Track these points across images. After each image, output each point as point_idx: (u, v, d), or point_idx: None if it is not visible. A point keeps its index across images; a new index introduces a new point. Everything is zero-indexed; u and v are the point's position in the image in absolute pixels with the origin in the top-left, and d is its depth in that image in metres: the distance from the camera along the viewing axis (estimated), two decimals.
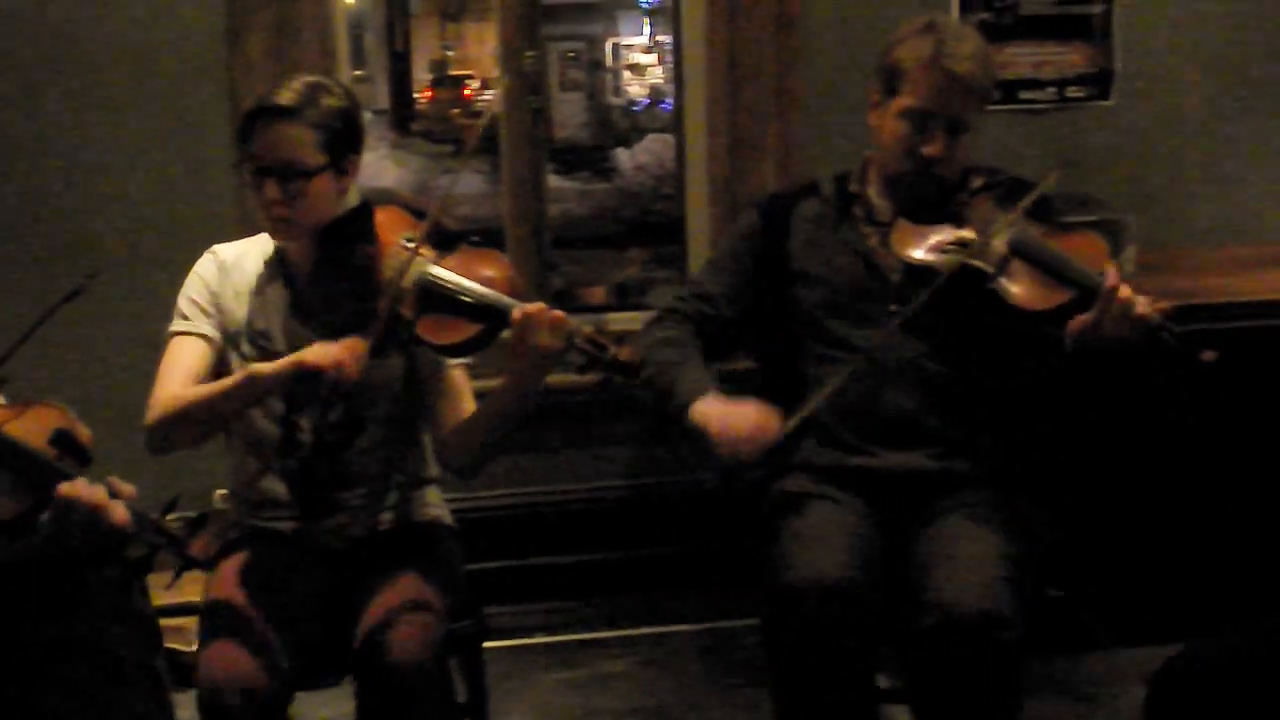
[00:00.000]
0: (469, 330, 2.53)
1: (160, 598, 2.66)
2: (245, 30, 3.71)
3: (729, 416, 2.70)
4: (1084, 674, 3.65)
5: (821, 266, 2.92)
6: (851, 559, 2.61)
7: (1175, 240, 4.21)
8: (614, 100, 16.59)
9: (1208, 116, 4.28)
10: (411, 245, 2.56)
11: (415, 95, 17.04)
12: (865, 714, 2.69)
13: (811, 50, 3.98)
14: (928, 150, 2.79)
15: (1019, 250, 2.74)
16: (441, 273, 2.56)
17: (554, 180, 11.95)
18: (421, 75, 17.59)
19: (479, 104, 15.55)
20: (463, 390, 2.74)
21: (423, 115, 16.58)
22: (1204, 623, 2.51)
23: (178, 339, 2.70)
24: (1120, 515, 3.63)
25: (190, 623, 3.00)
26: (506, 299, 2.51)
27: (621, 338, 2.47)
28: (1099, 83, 4.22)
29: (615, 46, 17.43)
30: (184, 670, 2.91)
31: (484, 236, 2.72)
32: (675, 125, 4.41)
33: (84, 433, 2.29)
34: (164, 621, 2.91)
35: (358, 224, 2.63)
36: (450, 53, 18.61)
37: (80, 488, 2.17)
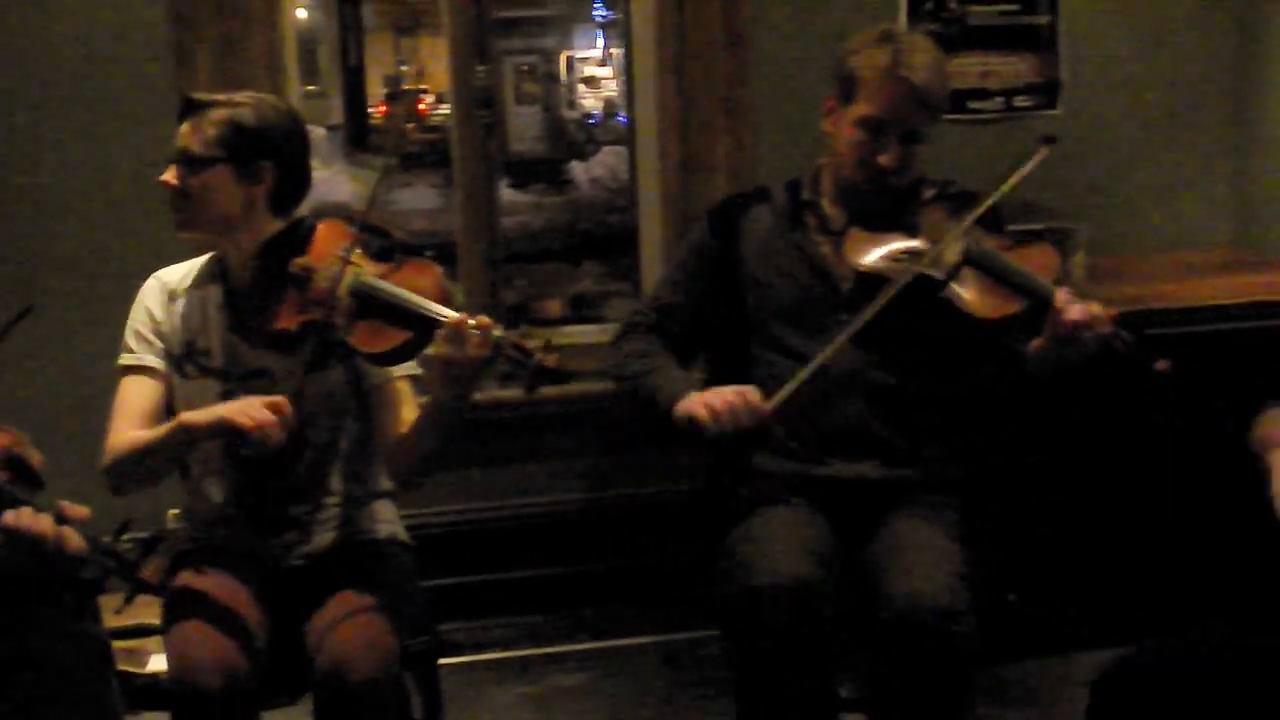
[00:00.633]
0: (398, 337, 2.54)
1: (113, 620, 2.65)
2: (193, 48, 3.69)
3: (711, 399, 2.72)
4: (1031, 679, 3.68)
5: (773, 273, 2.93)
6: (808, 560, 2.63)
7: (1123, 247, 4.25)
8: (568, 114, 16.57)
9: (1153, 125, 4.33)
10: (347, 255, 2.58)
11: (370, 110, 16.98)
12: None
13: (761, 64, 4.00)
14: (883, 160, 2.80)
15: (972, 260, 2.75)
16: (373, 281, 2.58)
17: (509, 193, 11.95)
18: (377, 90, 17.54)
19: (434, 118, 15.52)
20: (405, 401, 2.74)
21: (377, 130, 16.53)
22: (1152, 628, 2.52)
23: (127, 378, 2.73)
24: (1073, 520, 3.66)
25: (144, 644, 2.99)
26: (435, 306, 2.52)
27: (550, 345, 2.47)
28: (1046, 92, 4.25)
29: (570, 60, 17.41)
30: (137, 693, 2.90)
31: (437, 250, 2.73)
32: (629, 138, 4.42)
33: (35, 457, 2.28)
34: (117, 644, 2.90)
35: (295, 237, 2.66)
36: (405, 67, 18.57)
37: (25, 518, 2.16)
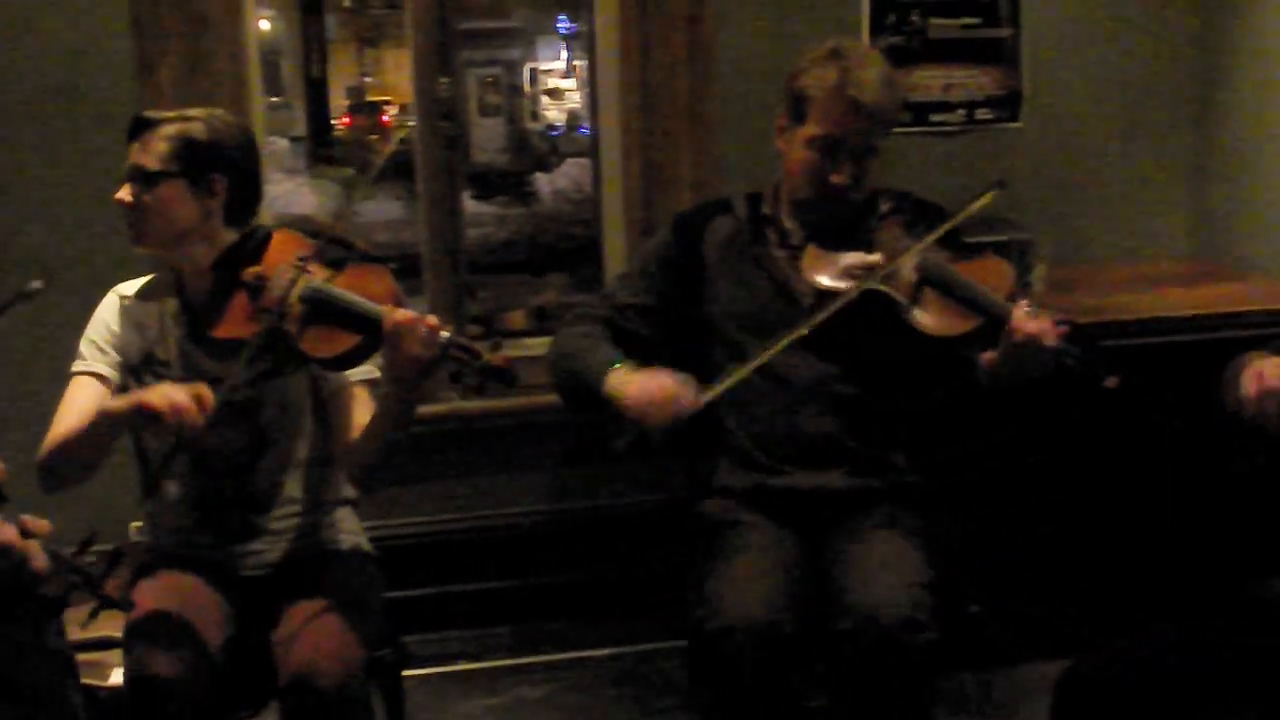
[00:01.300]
0: (349, 341, 2.55)
1: (76, 633, 2.64)
2: (157, 61, 3.68)
3: (644, 383, 2.72)
4: (992, 688, 3.69)
5: (734, 284, 2.95)
6: (779, 597, 2.64)
7: (1083, 258, 4.28)
8: (532, 125, 16.58)
9: (1112, 137, 4.36)
10: (302, 263, 2.61)
11: (333, 122, 16.95)
12: None
13: (724, 76, 4.01)
14: (835, 178, 2.81)
15: (927, 277, 2.77)
16: (323, 286, 2.59)
17: (472, 205, 11.93)
18: (340, 102, 17.50)
19: (398, 130, 15.50)
20: (362, 406, 2.74)
21: (341, 142, 16.50)
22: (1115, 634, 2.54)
23: (75, 379, 2.75)
24: (1037, 531, 3.68)
25: (107, 657, 2.98)
26: (382, 307, 2.52)
27: (498, 345, 2.49)
28: (1008, 105, 4.28)
29: (533, 72, 17.43)
30: (101, 706, 2.89)
31: (401, 262, 2.74)
32: (592, 150, 4.43)
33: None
34: (81, 657, 2.88)
35: (249, 248, 2.67)
36: (368, 79, 18.54)
37: None
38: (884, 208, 2.92)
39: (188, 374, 2.70)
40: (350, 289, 2.58)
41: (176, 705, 2.47)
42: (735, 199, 3.05)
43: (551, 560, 4.10)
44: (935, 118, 4.22)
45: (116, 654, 2.89)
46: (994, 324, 2.66)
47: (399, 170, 12.55)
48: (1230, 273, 4.20)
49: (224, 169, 2.70)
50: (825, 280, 2.81)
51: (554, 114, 16.92)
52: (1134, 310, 3.73)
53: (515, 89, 16.74)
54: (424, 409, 2.96)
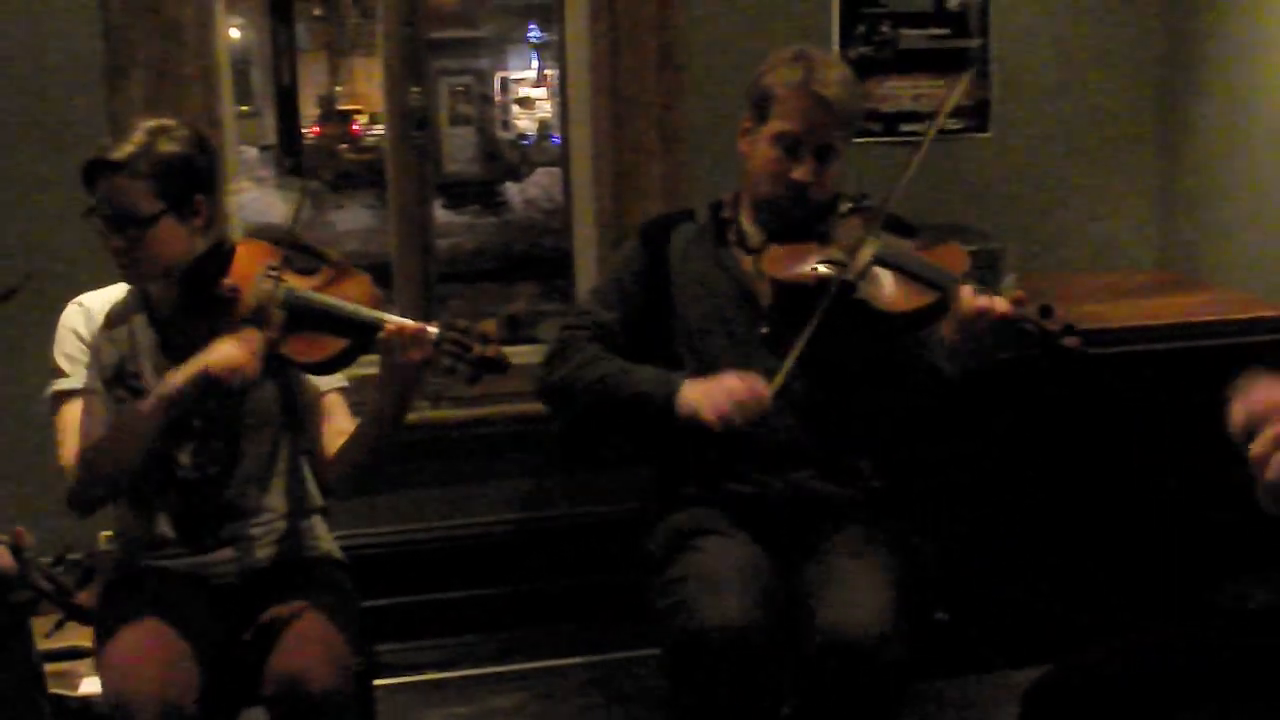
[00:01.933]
0: (336, 345, 2.59)
1: (45, 642, 2.63)
2: (126, 69, 3.66)
3: (716, 395, 2.75)
4: (965, 695, 3.70)
5: (698, 289, 2.97)
6: (753, 600, 2.65)
7: (1051, 268, 4.30)
8: (503, 134, 16.55)
9: (1080, 148, 4.39)
10: (275, 272, 2.62)
11: (304, 131, 16.90)
12: None
13: (695, 85, 4.02)
14: (797, 174, 2.85)
15: (882, 259, 2.79)
16: (305, 292, 2.62)
17: (443, 214, 11.91)
18: (310, 110, 17.45)
19: (368, 139, 15.46)
20: (342, 413, 2.78)
21: (311, 151, 16.45)
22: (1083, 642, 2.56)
23: (70, 402, 2.71)
24: (1004, 538, 3.69)
25: (76, 666, 2.97)
26: (371, 312, 2.57)
27: (487, 335, 2.52)
28: (977, 115, 4.30)
29: (504, 81, 17.40)
30: (69, 715, 2.88)
31: (372, 271, 2.75)
32: (562, 160, 4.43)
33: None
34: (50, 666, 2.88)
35: (215, 261, 2.66)
36: (338, 88, 18.49)
37: None
38: (844, 208, 2.94)
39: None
40: (331, 293, 2.61)
41: None
42: (698, 208, 3.10)
43: (523, 569, 4.10)
44: (905, 127, 4.23)
45: (85, 663, 2.89)
46: (949, 300, 2.67)
47: (369, 179, 12.52)
48: (1196, 283, 4.23)
49: (202, 187, 2.70)
50: (785, 273, 2.84)
51: (525, 123, 16.89)
52: (1101, 319, 3.75)
53: (486, 98, 16.71)
54: None
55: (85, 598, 2.37)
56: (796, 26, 4.08)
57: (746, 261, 2.97)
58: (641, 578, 2.91)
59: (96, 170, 2.63)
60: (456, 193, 13.35)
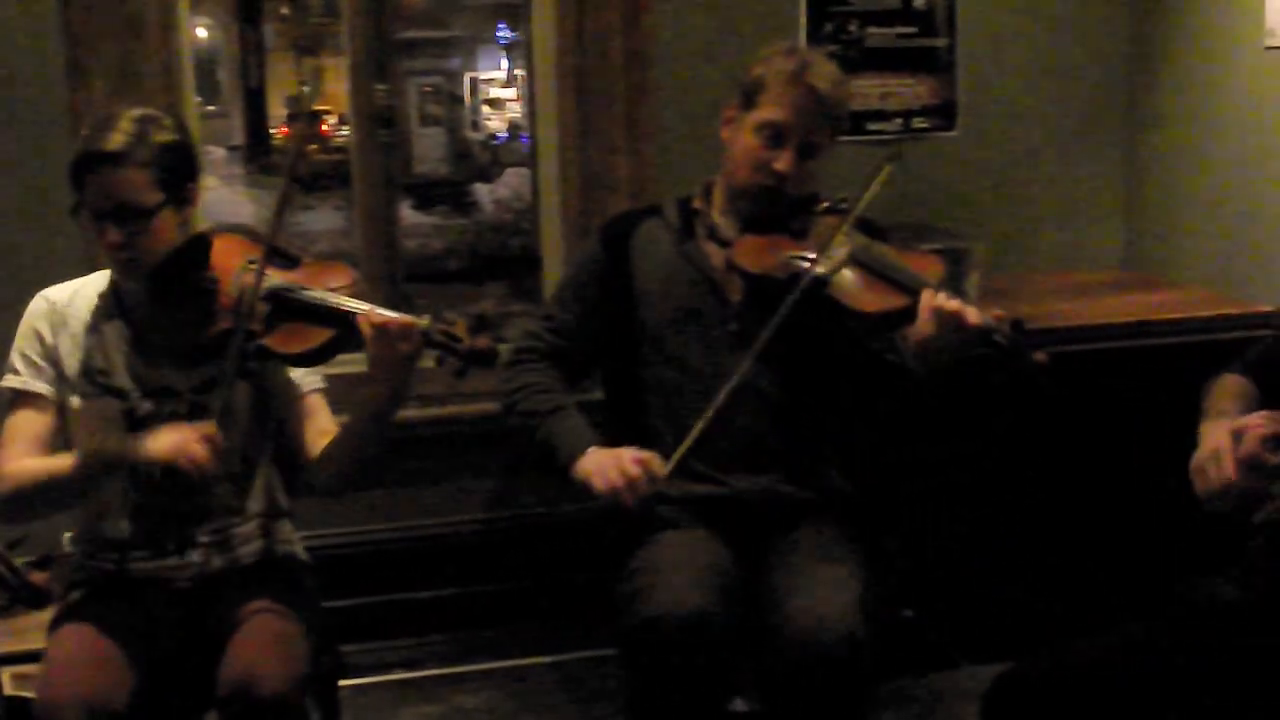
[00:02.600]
0: (321, 335, 2.57)
1: (3, 645, 2.61)
2: (88, 67, 3.63)
3: (609, 470, 2.74)
4: (931, 692, 3.71)
5: (664, 285, 2.95)
6: (708, 589, 2.63)
7: (1018, 267, 4.32)
8: (473, 135, 16.54)
9: (1046, 147, 4.41)
10: (255, 264, 2.59)
11: (271, 131, 16.85)
12: None
13: (662, 83, 4.02)
14: (778, 165, 2.84)
15: (857, 258, 2.79)
16: (289, 284, 2.60)
17: (413, 215, 11.90)
18: (279, 111, 17.41)
19: (336, 139, 15.44)
20: (324, 413, 2.76)
21: (279, 151, 16.40)
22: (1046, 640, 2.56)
23: (20, 410, 2.67)
24: (969, 536, 3.70)
25: (34, 669, 2.94)
26: (356, 303, 2.55)
27: (476, 326, 2.51)
28: (944, 114, 4.31)
29: (474, 81, 17.38)
30: (32, 716, 2.85)
31: None
32: (531, 159, 4.43)
33: None
34: (7, 669, 2.86)
35: (194, 253, 2.64)
36: (306, 88, 18.45)
37: None
38: (820, 206, 2.93)
39: (137, 386, 2.66)
40: (314, 285, 2.60)
41: None
42: (665, 204, 3.07)
43: (488, 568, 4.09)
44: (872, 126, 4.24)
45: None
46: (917, 303, 2.68)
47: (341, 180, 12.49)
48: (1163, 281, 4.25)
49: (193, 175, 2.68)
50: (756, 266, 2.83)
51: (495, 123, 16.89)
52: (1068, 318, 3.77)
53: (456, 98, 16.70)
54: None
55: (39, 578, 2.34)
56: (764, 25, 4.08)
57: (716, 256, 2.95)
58: (605, 572, 2.90)
59: (91, 163, 2.55)
60: (426, 194, 13.34)
